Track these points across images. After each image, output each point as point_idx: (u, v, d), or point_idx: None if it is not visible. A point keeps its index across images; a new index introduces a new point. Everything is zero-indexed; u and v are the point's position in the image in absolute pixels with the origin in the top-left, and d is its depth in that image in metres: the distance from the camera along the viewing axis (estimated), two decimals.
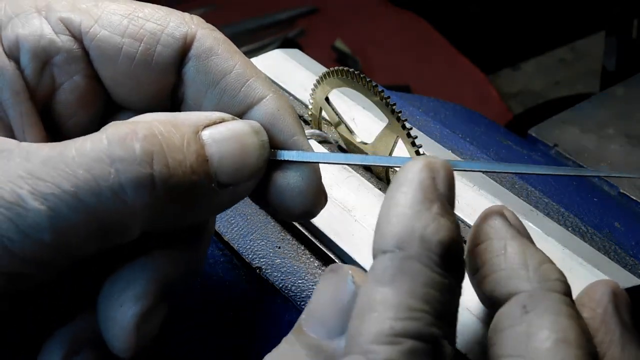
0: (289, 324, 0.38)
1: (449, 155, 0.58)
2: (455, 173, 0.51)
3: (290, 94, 0.64)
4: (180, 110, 0.46)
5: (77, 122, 0.45)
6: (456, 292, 0.36)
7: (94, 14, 0.44)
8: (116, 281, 0.41)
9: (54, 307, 0.43)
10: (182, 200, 0.39)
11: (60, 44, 0.43)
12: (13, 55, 0.43)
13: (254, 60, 0.68)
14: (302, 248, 0.52)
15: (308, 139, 0.58)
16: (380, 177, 0.55)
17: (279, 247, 0.52)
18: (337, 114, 0.56)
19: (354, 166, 0.55)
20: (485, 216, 0.41)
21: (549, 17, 1.63)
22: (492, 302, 0.39)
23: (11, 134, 0.43)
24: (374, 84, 0.50)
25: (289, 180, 0.44)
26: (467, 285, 0.38)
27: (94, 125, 0.45)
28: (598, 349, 0.37)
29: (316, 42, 1.45)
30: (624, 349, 0.37)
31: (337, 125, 0.57)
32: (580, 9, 1.55)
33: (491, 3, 1.63)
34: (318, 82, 0.55)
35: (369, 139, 0.54)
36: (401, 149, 0.51)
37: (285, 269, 0.51)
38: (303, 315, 0.37)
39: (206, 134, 0.41)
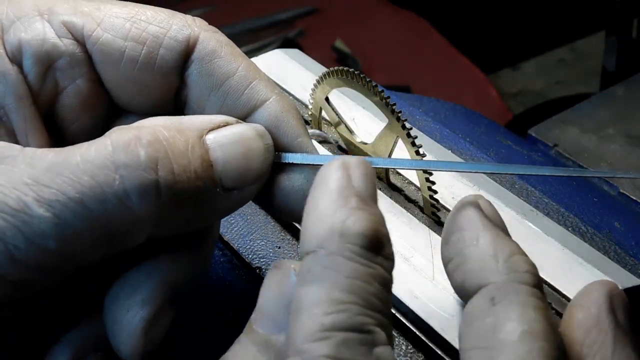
0: None
1: (449, 155, 0.58)
2: (456, 174, 0.51)
3: (290, 94, 0.64)
4: (183, 113, 0.46)
5: (80, 126, 0.45)
6: (385, 279, 0.36)
7: (96, 17, 0.44)
8: (123, 286, 0.40)
9: (59, 312, 0.43)
10: (187, 205, 0.39)
11: (63, 47, 0.43)
12: (16, 59, 0.43)
13: (253, 60, 0.68)
14: None
15: None
16: (380, 177, 0.55)
17: (279, 247, 0.52)
18: (337, 114, 0.56)
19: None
20: (460, 206, 0.41)
21: (549, 17, 1.63)
22: (463, 293, 0.39)
23: (14, 139, 0.43)
24: (374, 84, 0.50)
25: (293, 183, 0.44)
26: None
27: (97, 128, 0.45)
28: (589, 350, 0.37)
29: (316, 42, 1.45)
30: (615, 350, 0.37)
31: (337, 125, 0.57)
32: (580, 9, 1.55)
33: (491, 3, 1.63)
34: (318, 82, 0.55)
35: (369, 139, 0.54)
36: (401, 149, 0.51)
37: None
38: (253, 315, 0.38)
39: (210, 138, 0.41)
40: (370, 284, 0.35)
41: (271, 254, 0.52)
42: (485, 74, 1.43)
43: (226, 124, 0.42)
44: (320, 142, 0.58)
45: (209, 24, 0.46)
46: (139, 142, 0.38)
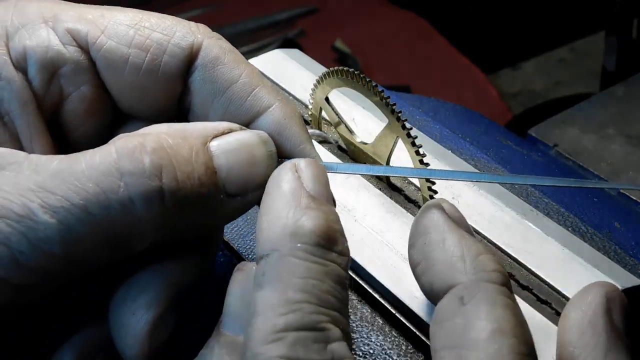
0: None
1: (448, 155, 0.58)
2: None
3: (290, 94, 0.64)
4: (187, 119, 0.46)
5: (84, 132, 0.45)
6: (340, 276, 0.37)
7: (100, 24, 0.44)
8: (128, 289, 0.41)
9: (62, 315, 0.43)
10: (191, 211, 0.40)
11: (67, 55, 0.44)
12: (21, 66, 0.43)
13: (254, 60, 0.68)
14: None
15: None
16: (381, 177, 0.55)
17: None
18: (337, 114, 0.56)
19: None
20: (424, 210, 0.42)
21: (549, 17, 1.63)
22: (432, 295, 0.40)
23: (19, 144, 0.43)
24: (374, 84, 0.50)
25: None
26: None
27: (101, 134, 0.45)
28: (581, 351, 0.37)
29: (316, 42, 1.45)
30: (607, 353, 0.37)
31: (337, 125, 0.57)
32: (580, 9, 1.55)
33: (491, 3, 1.63)
34: (318, 82, 0.55)
35: (369, 139, 0.54)
36: (401, 149, 0.51)
37: None
38: (220, 319, 0.39)
39: (214, 145, 0.41)
40: (324, 282, 0.36)
41: None
42: (485, 74, 1.43)
43: (230, 131, 0.42)
44: (320, 142, 0.58)
45: (210, 23, 0.46)
46: (144, 150, 0.38)
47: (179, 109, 0.46)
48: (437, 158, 0.56)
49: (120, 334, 0.40)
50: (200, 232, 0.43)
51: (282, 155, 0.44)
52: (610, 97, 0.84)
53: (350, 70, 0.52)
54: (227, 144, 0.41)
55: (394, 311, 0.46)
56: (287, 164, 0.39)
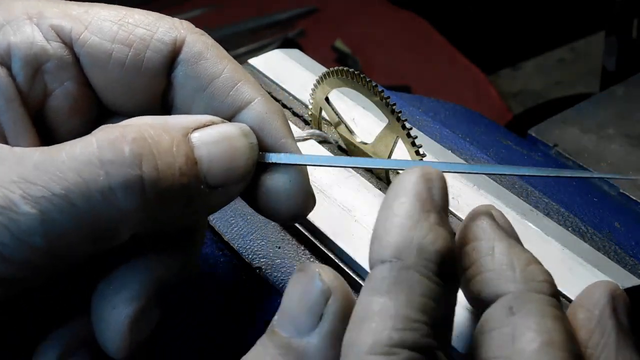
0: None
1: (448, 155, 0.58)
2: (455, 174, 0.51)
3: (290, 94, 0.64)
4: (170, 114, 0.46)
5: (70, 128, 0.45)
6: (452, 302, 0.36)
7: (84, 20, 0.44)
8: (109, 283, 0.41)
9: (48, 309, 0.43)
10: (172, 202, 0.40)
11: (51, 51, 0.44)
12: (5, 62, 0.43)
13: (254, 60, 0.68)
14: (302, 248, 0.52)
15: (308, 139, 0.58)
16: (380, 177, 0.55)
17: (279, 247, 0.52)
18: (337, 114, 0.56)
19: (354, 166, 0.55)
20: (473, 216, 0.41)
21: (548, 17, 1.63)
22: (479, 303, 0.39)
23: (4, 140, 0.43)
24: (374, 84, 0.50)
25: (276, 183, 0.44)
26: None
27: (86, 130, 0.45)
28: (592, 351, 0.37)
29: (316, 42, 1.45)
30: (618, 352, 0.37)
31: (337, 125, 0.57)
32: (580, 9, 1.55)
33: (491, 3, 1.63)
34: (318, 82, 0.55)
35: (369, 139, 0.54)
36: (401, 149, 0.51)
37: (285, 269, 0.51)
38: (275, 317, 0.38)
39: (195, 136, 0.41)
40: (440, 306, 0.35)
41: (271, 254, 0.52)
42: (485, 74, 1.42)
43: (212, 123, 0.43)
44: (320, 142, 0.58)
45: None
46: (124, 139, 0.38)
47: (162, 105, 0.46)
48: (437, 158, 0.56)
49: (101, 328, 0.40)
50: (183, 224, 0.43)
51: (263, 149, 0.44)
52: (610, 97, 0.84)
53: (350, 70, 0.52)
54: (208, 135, 0.42)
55: None
56: (418, 170, 0.37)
